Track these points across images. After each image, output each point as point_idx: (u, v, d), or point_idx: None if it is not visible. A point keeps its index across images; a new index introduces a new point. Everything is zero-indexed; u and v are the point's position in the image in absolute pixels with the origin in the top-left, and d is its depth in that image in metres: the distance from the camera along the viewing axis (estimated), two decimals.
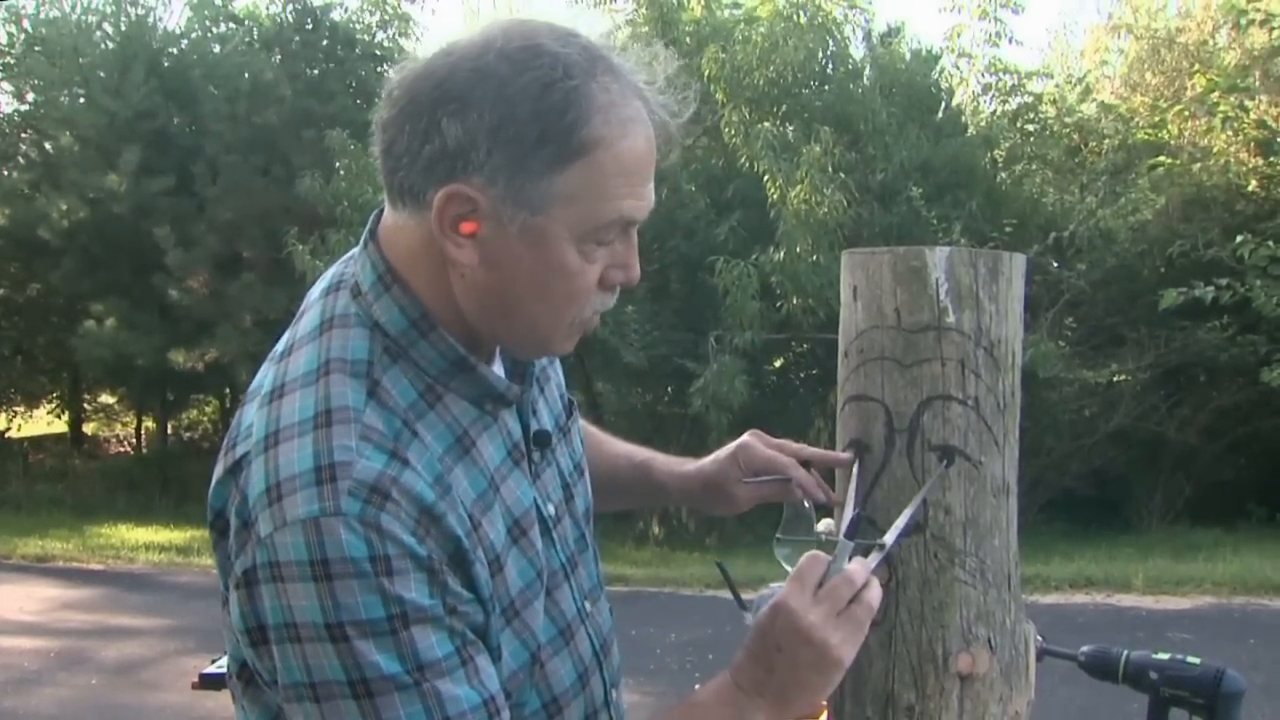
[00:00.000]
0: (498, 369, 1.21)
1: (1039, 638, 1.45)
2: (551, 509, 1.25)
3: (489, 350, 1.20)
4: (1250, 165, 11.31)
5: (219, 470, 1.11)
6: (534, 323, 1.14)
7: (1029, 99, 12.03)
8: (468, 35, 1.09)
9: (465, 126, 1.04)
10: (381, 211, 1.17)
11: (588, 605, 1.28)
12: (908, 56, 11.55)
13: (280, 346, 1.18)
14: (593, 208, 1.08)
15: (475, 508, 1.11)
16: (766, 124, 9.92)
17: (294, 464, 1.04)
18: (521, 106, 1.04)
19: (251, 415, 1.12)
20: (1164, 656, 1.55)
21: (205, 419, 16.84)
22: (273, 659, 1.05)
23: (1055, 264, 10.59)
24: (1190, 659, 1.54)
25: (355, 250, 1.20)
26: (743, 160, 9.89)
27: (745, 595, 1.50)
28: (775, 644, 1.15)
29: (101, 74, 13.19)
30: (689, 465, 1.56)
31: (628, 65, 1.11)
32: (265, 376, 1.15)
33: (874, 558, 1.26)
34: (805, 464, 1.46)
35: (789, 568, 1.44)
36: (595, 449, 1.55)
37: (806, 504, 1.45)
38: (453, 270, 1.11)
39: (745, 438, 1.51)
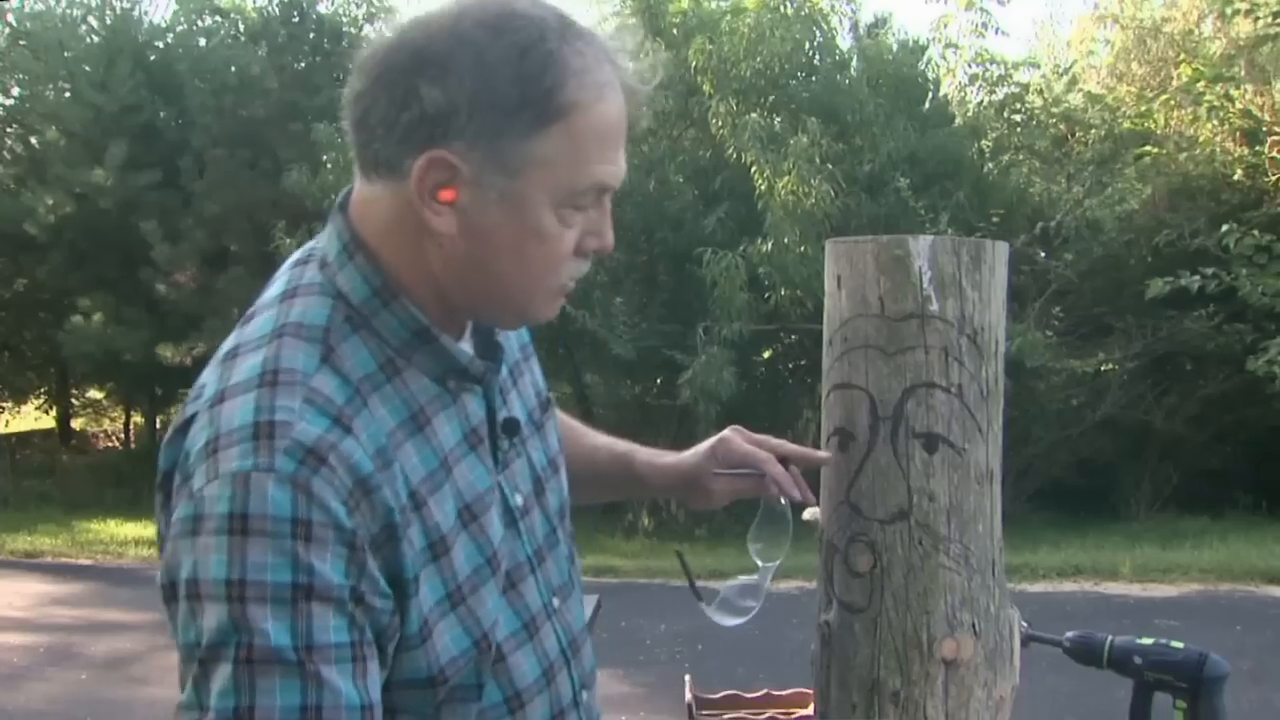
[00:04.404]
0: (466, 347, 1.20)
1: (1023, 624, 1.46)
2: (520, 500, 1.23)
3: (460, 327, 1.19)
4: (1236, 154, 11.33)
5: (170, 431, 1.10)
6: (512, 290, 1.13)
7: (1016, 89, 12.02)
8: (438, 6, 1.09)
9: (446, 92, 1.04)
10: (351, 189, 1.17)
11: (556, 601, 1.26)
12: (895, 47, 11.54)
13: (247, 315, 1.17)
14: (570, 172, 1.09)
15: (423, 486, 1.10)
16: (754, 115, 9.90)
17: (234, 419, 1.02)
18: (501, 71, 1.05)
19: (206, 376, 1.11)
20: (1148, 641, 1.56)
21: None
22: (176, 617, 1.01)
23: (1042, 254, 10.61)
24: (1174, 644, 1.55)
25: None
26: (730, 151, 9.89)
27: (708, 584, 1.50)
28: None
29: (87, 68, 13.11)
30: (668, 458, 1.54)
31: (597, 32, 1.12)
32: (227, 341, 1.14)
33: None
34: (785, 461, 1.44)
35: (760, 562, 1.44)
36: (574, 441, 1.52)
37: (783, 501, 1.43)
38: (430, 241, 1.10)
39: (726, 432, 1.49)
